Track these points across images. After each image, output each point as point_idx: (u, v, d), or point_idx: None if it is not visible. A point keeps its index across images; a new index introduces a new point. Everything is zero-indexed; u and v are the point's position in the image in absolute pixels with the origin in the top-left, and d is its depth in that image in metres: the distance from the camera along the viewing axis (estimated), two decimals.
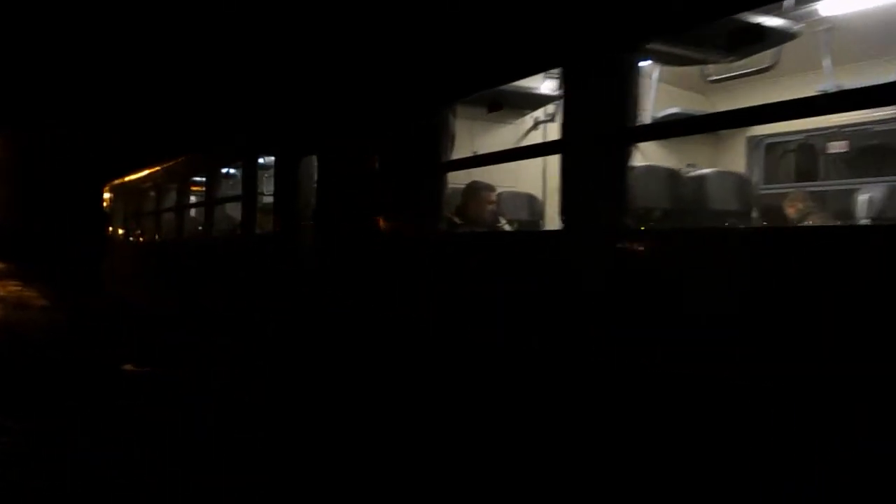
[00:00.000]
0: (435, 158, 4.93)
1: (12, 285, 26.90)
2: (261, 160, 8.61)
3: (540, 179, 6.15)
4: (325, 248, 6.61)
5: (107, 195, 15.88)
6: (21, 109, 42.38)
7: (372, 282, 5.89)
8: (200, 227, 10.60)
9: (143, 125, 31.49)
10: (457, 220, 5.36)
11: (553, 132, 6.04)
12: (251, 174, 8.50)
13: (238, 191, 9.73)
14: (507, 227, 5.70)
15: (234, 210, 10.25)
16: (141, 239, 13.32)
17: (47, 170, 45.65)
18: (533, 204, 5.95)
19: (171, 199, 12.04)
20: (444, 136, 4.90)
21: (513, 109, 6.27)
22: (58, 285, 24.74)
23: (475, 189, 5.66)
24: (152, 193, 12.67)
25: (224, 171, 10.22)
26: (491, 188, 5.58)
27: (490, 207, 5.56)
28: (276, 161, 8.04)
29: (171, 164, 11.91)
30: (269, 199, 8.41)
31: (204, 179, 10.75)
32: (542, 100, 5.98)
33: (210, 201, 9.94)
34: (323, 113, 7.11)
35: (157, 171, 12.47)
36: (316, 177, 7.01)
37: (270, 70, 21.33)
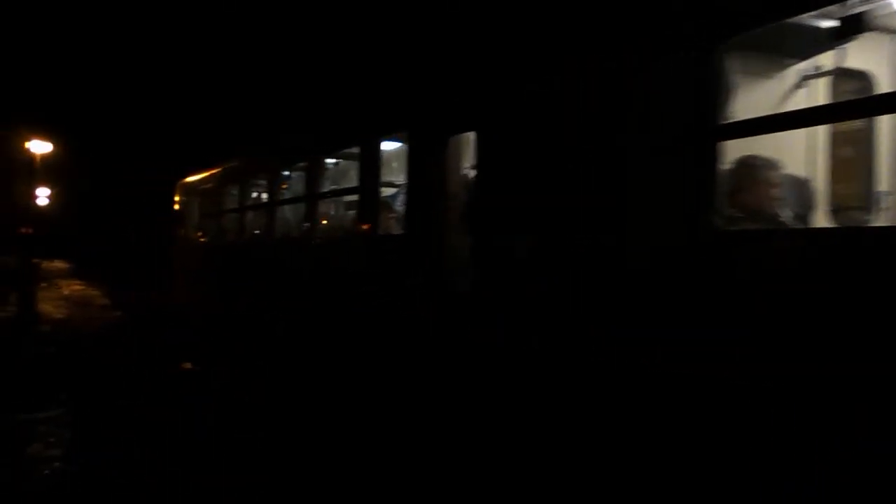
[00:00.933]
0: (705, 118, 3.33)
1: (76, 285, 26.44)
2: (386, 145, 7.02)
3: (806, 157, 4.13)
4: (492, 261, 4.90)
5: (179, 195, 14.53)
6: (80, 111, 42.47)
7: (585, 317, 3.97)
8: (294, 228, 9.12)
9: (218, 118, 29.76)
10: (738, 212, 3.61)
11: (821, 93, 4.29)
12: (371, 161, 7.23)
13: (342, 184, 8.37)
14: (788, 223, 3.87)
15: (332, 208, 8.83)
16: (219, 240, 11.76)
17: (110, 171, 45.66)
18: (804, 190, 4.15)
19: (254, 195, 10.72)
20: (715, 85, 3.32)
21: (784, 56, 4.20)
22: (120, 286, 24.10)
23: (752, 166, 3.80)
24: (231, 191, 11.27)
25: (326, 161, 8.65)
26: (773, 165, 3.71)
27: (773, 193, 3.72)
28: (409, 143, 6.43)
29: (254, 156, 10.53)
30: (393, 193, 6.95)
31: (293, 173, 9.35)
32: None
33: (311, 196, 8.20)
34: (486, 69, 5.24)
35: (237, 165, 11.01)
36: (475, 160, 5.30)
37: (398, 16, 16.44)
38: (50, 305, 18.22)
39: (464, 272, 5.16)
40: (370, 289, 6.52)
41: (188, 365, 10.33)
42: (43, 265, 34.66)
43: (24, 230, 42.29)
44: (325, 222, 8.56)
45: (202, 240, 12.91)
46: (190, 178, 13.94)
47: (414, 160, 6.09)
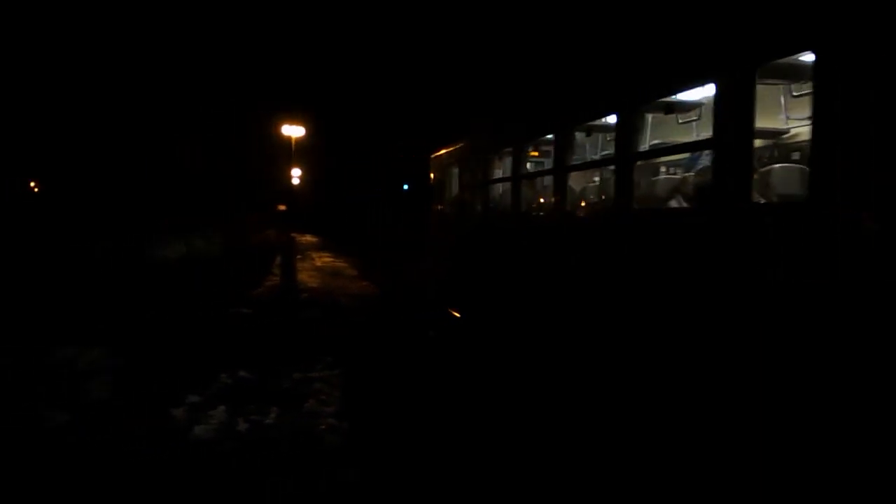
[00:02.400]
0: None
1: (326, 257, 28.71)
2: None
3: None
4: None
5: (435, 166, 14.37)
6: (331, 95, 45.73)
7: None
8: (593, 199, 7.98)
9: (464, 96, 29.24)
10: None
11: None
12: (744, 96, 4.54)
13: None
14: None
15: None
16: (486, 216, 10.17)
17: (356, 146, 48.70)
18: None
19: (538, 161, 9.59)
20: None
21: None
22: (366, 258, 25.74)
23: None
24: (499, 159, 10.52)
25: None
26: None
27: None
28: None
29: (539, 109, 8.53)
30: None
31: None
32: None
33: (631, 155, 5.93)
34: None
35: (511, 126, 9.42)
36: None
37: None
38: (306, 275, 19.89)
39: None
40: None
41: (433, 333, 10.66)
42: (297, 239, 38.11)
43: (280, 207, 46.55)
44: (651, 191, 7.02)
45: (463, 215, 12.06)
46: (447, 149, 13.28)
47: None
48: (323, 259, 27.30)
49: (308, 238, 43.96)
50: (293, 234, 30.26)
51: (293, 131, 35.28)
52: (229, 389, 7.35)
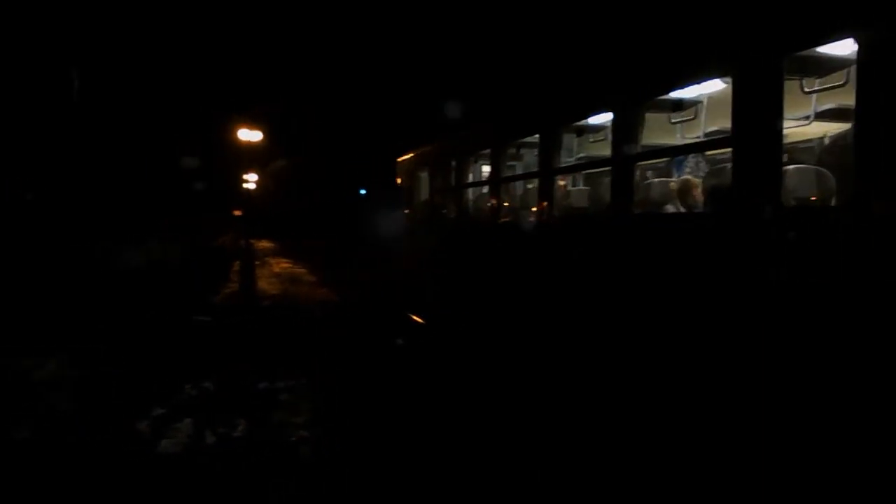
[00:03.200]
0: None
1: (284, 263, 28.39)
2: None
3: None
4: None
5: (402, 169, 14.04)
6: (286, 99, 45.23)
7: None
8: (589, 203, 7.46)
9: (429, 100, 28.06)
10: None
11: None
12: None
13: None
14: None
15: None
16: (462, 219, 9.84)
17: (313, 149, 48.08)
18: None
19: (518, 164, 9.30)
20: None
21: None
22: (323, 264, 25.51)
23: None
24: (476, 161, 9.96)
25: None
26: None
27: None
28: None
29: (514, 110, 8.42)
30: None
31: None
32: None
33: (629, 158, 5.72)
34: None
35: (487, 126, 9.12)
36: None
37: None
38: (265, 282, 19.64)
39: None
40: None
41: (401, 341, 10.64)
42: (255, 244, 37.62)
43: (236, 212, 45.80)
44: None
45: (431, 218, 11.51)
46: (415, 152, 12.93)
47: None
48: (281, 265, 27.01)
49: (265, 244, 43.48)
50: (251, 240, 29.88)
51: (250, 136, 34.81)
52: (195, 401, 7.21)
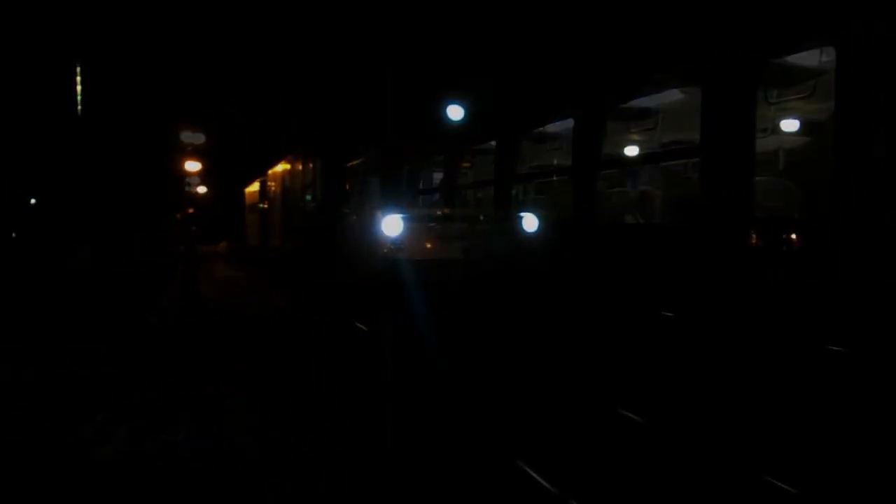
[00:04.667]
0: None
1: (227, 267, 27.93)
2: None
3: None
4: None
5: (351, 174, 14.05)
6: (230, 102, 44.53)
7: None
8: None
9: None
10: None
11: None
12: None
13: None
14: None
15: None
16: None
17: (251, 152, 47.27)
18: None
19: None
20: None
21: None
22: (270, 272, 25.16)
23: None
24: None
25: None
26: None
27: None
28: None
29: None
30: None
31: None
32: None
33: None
34: None
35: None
36: None
37: None
38: (209, 286, 19.26)
39: None
40: None
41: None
42: (199, 248, 36.85)
43: (178, 216, 44.69)
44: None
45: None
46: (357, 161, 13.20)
47: None
48: (224, 270, 26.58)
49: (208, 248, 42.63)
50: (195, 244, 29.29)
51: (193, 138, 34.14)
52: (138, 406, 7.03)
